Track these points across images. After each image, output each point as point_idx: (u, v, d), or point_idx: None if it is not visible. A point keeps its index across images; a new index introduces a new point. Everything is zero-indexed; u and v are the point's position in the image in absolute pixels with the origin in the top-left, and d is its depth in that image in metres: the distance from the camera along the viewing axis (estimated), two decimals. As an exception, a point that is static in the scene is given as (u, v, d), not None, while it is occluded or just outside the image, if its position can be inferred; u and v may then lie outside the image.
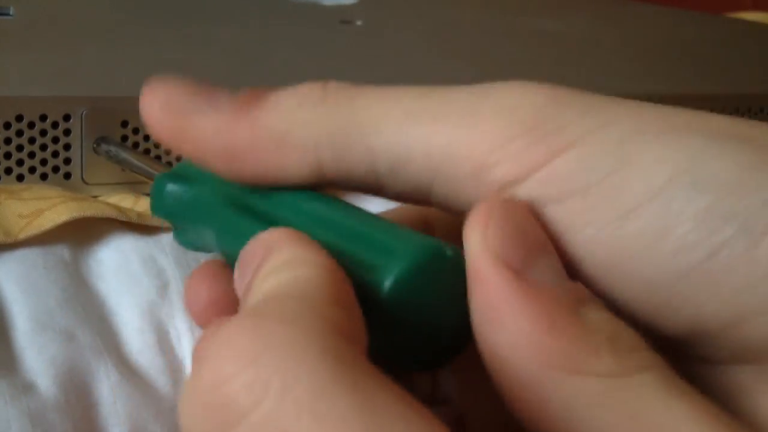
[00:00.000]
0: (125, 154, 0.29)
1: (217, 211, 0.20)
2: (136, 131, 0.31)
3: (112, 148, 0.30)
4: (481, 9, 0.62)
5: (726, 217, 0.15)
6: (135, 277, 0.26)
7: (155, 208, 0.22)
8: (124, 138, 0.31)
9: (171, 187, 0.21)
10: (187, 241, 0.22)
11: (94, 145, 0.30)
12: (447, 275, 0.16)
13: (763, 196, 0.15)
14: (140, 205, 0.30)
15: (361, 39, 0.47)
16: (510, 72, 0.43)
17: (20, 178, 0.30)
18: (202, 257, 0.28)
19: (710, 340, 0.16)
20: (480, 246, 0.15)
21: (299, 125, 0.18)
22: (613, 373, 0.14)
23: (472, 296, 0.15)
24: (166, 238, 0.28)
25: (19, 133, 0.30)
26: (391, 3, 0.60)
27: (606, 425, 0.14)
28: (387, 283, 0.16)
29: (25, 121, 0.29)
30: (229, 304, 0.21)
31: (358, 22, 0.50)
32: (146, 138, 0.31)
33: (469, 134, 0.17)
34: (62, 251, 0.27)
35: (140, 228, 0.28)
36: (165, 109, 0.19)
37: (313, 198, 0.19)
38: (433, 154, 0.17)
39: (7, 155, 0.30)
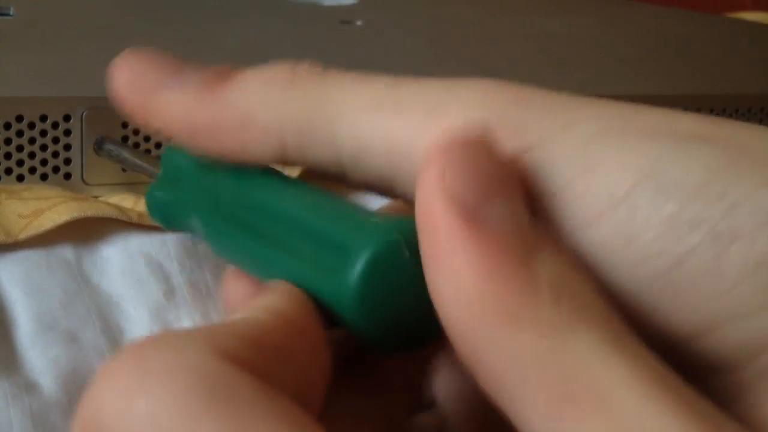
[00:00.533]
0: (126, 154, 0.29)
1: (203, 215, 0.20)
2: (136, 131, 0.31)
3: (113, 148, 0.30)
4: (481, 9, 0.62)
5: (692, 225, 0.14)
6: (141, 279, 0.26)
7: (152, 215, 0.22)
8: (125, 138, 0.31)
9: (160, 195, 0.22)
10: (156, 202, 0.22)
11: (95, 145, 0.30)
12: (418, 257, 0.16)
13: (729, 200, 0.14)
14: (140, 206, 0.30)
15: (361, 39, 0.47)
16: (510, 72, 0.43)
17: (20, 178, 0.30)
18: (208, 255, 0.28)
19: (679, 350, 0.15)
20: (435, 184, 0.14)
21: (264, 107, 0.18)
22: (551, 326, 0.13)
23: (422, 238, 0.15)
24: (171, 238, 0.28)
25: (19, 134, 0.30)
26: (391, 3, 0.60)
27: (541, 385, 0.13)
28: (355, 270, 0.16)
29: (25, 122, 0.29)
30: None
31: (358, 22, 0.50)
32: (147, 138, 0.31)
33: (430, 133, 0.17)
34: (65, 251, 0.27)
35: (143, 229, 0.28)
36: (132, 85, 0.19)
37: (288, 183, 0.19)
38: (394, 149, 0.17)
39: (7, 155, 0.30)
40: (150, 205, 0.22)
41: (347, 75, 0.18)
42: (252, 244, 0.19)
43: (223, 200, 0.20)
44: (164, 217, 0.22)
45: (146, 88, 0.19)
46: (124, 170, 0.31)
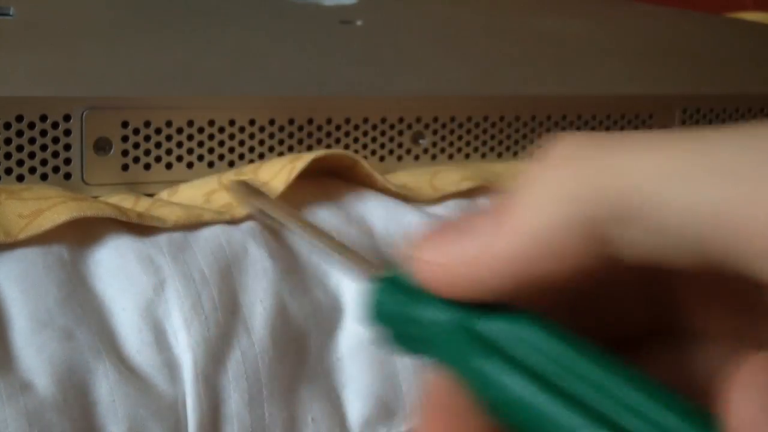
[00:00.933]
0: (282, 220, 0.27)
1: (446, 339, 0.18)
2: (136, 131, 0.31)
3: (262, 209, 0.28)
4: (482, 9, 0.62)
5: None
6: (132, 277, 0.26)
7: (372, 316, 0.20)
8: (125, 138, 0.31)
9: (387, 297, 0.19)
10: (406, 347, 0.20)
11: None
12: None
13: None
14: (140, 206, 0.30)
15: (361, 39, 0.47)
16: (510, 71, 0.43)
17: (20, 178, 0.30)
18: (199, 256, 0.28)
19: None
20: None
21: (558, 213, 0.16)
22: None
23: None
24: (164, 238, 0.28)
25: (20, 134, 0.30)
26: (391, 3, 0.60)
27: None
28: None
29: (25, 121, 0.29)
30: None
31: (358, 22, 0.50)
32: (146, 138, 0.31)
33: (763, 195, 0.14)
34: (61, 251, 0.27)
35: (138, 229, 0.28)
36: (438, 267, 0.18)
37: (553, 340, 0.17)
38: (721, 223, 0.15)
39: (7, 155, 0.30)
40: (372, 301, 0.20)
41: (624, 140, 0.16)
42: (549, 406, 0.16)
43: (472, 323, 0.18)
44: (384, 316, 0.20)
45: (448, 264, 0.18)
46: (124, 170, 0.31)
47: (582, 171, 0.16)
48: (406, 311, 0.19)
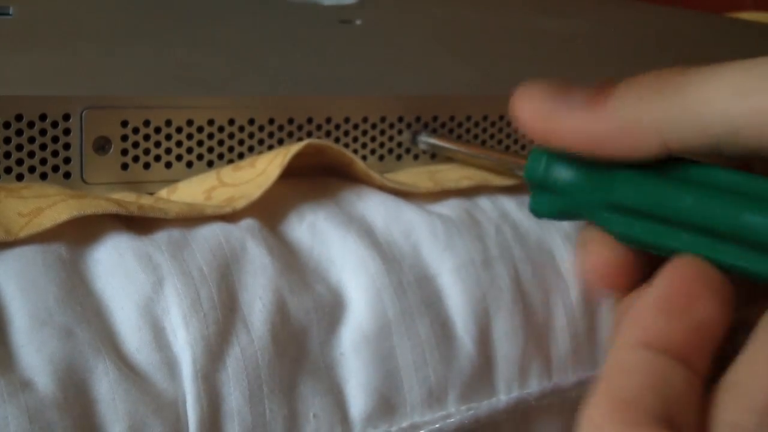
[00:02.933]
0: (448, 145, 0.35)
1: (597, 208, 0.25)
2: (136, 131, 0.31)
3: (431, 140, 0.36)
4: (482, 8, 0.62)
5: None
6: (131, 275, 0.26)
7: (529, 173, 0.27)
8: (124, 137, 0.31)
9: (544, 206, 0.27)
10: (544, 210, 0.27)
11: (413, 138, 0.36)
12: None
13: None
14: (141, 203, 0.30)
15: (361, 39, 0.47)
16: (510, 71, 0.43)
17: (20, 177, 0.30)
18: (198, 254, 0.28)
19: None
20: None
21: (644, 114, 0.22)
22: None
23: None
24: (162, 237, 0.28)
25: (19, 133, 0.30)
26: (391, 3, 0.60)
27: None
28: None
29: (25, 121, 0.30)
30: (627, 269, 0.25)
31: (358, 22, 0.50)
32: (146, 137, 0.31)
33: None
34: (60, 249, 0.27)
35: (137, 227, 0.29)
36: (533, 115, 0.24)
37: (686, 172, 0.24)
38: (763, 126, 0.20)
39: (7, 155, 0.30)
40: (537, 214, 0.27)
41: (703, 71, 0.23)
42: (661, 230, 0.23)
43: (621, 195, 0.24)
44: (553, 216, 0.27)
45: (543, 115, 0.24)
46: (124, 169, 0.31)
47: (658, 91, 0.22)
48: (551, 180, 0.26)
